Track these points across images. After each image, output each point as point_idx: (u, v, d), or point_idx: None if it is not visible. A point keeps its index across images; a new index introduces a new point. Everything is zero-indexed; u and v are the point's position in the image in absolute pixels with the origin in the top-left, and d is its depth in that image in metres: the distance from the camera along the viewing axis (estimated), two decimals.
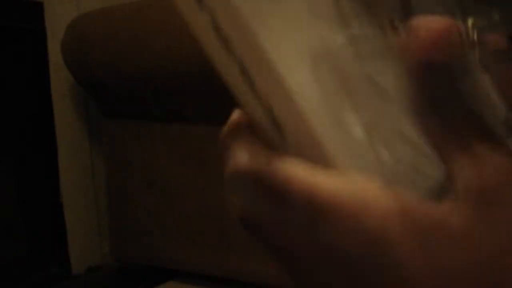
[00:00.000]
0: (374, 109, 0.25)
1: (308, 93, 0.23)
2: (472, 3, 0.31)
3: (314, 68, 0.24)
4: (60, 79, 1.29)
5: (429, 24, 0.22)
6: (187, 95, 1.12)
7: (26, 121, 1.31)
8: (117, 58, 1.16)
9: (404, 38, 0.23)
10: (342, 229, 0.22)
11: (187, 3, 0.26)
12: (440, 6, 0.28)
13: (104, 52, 1.18)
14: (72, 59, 1.23)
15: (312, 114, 0.23)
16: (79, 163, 1.35)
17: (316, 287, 0.24)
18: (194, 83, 1.09)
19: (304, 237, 0.23)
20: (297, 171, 0.23)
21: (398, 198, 0.22)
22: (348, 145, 0.24)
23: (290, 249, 0.24)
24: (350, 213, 0.21)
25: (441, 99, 0.22)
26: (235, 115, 0.28)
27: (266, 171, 0.24)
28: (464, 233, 0.21)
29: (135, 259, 1.32)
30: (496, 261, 0.21)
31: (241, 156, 0.26)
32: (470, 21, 0.30)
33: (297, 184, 0.22)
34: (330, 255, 0.22)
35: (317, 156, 0.23)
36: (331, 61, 0.25)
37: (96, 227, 1.38)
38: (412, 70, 0.22)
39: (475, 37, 0.29)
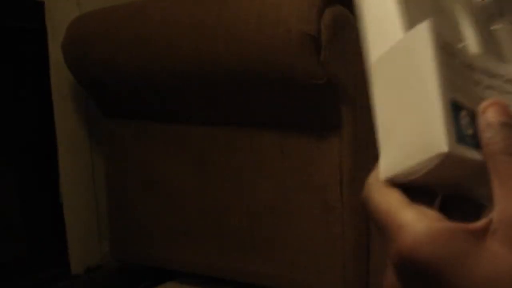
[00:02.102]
0: None
1: None
2: None
3: None
4: (60, 79, 1.29)
5: None
6: (187, 95, 1.12)
7: (26, 120, 1.31)
8: (117, 58, 1.16)
9: None
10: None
11: None
12: None
13: (104, 52, 1.17)
14: (72, 59, 1.23)
15: None
16: (79, 163, 1.34)
17: None
18: (194, 83, 1.09)
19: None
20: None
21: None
22: None
23: None
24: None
25: None
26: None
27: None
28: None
29: (134, 259, 1.32)
30: None
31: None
32: None
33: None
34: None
35: None
36: None
37: (96, 227, 1.38)
38: None
39: None
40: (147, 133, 1.22)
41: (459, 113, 0.27)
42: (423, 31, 0.27)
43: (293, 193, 1.06)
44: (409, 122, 0.28)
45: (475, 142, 0.27)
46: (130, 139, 1.25)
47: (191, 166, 1.16)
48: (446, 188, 0.30)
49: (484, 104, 0.28)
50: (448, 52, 0.28)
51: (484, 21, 0.34)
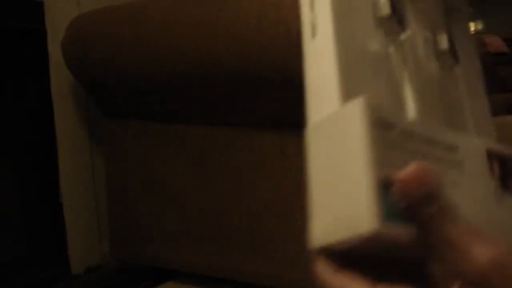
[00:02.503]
0: None
1: None
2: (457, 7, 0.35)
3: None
4: (60, 79, 1.29)
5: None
6: (187, 95, 1.12)
7: (26, 120, 1.31)
8: (117, 58, 1.16)
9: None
10: None
11: None
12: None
13: (104, 52, 1.17)
14: (72, 59, 1.23)
15: None
16: (79, 163, 1.35)
17: None
18: (194, 83, 1.09)
19: None
20: None
21: None
22: None
23: None
24: None
25: None
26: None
27: None
28: None
29: (134, 259, 1.32)
30: None
31: None
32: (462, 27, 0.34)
33: None
34: None
35: None
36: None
37: (96, 227, 1.38)
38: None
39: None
40: (147, 133, 1.22)
41: (389, 190, 0.27)
42: (356, 108, 0.27)
43: (293, 193, 1.06)
44: (339, 196, 0.28)
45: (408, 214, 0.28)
46: (130, 139, 1.25)
47: (191, 166, 1.16)
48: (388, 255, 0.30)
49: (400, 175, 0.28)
50: (383, 125, 0.27)
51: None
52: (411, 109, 0.32)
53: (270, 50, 0.96)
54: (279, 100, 1.03)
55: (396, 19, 0.32)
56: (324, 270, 0.31)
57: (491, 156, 0.33)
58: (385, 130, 0.28)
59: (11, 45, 1.25)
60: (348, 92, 0.29)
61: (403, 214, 0.27)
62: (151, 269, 1.31)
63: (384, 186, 0.27)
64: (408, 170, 0.28)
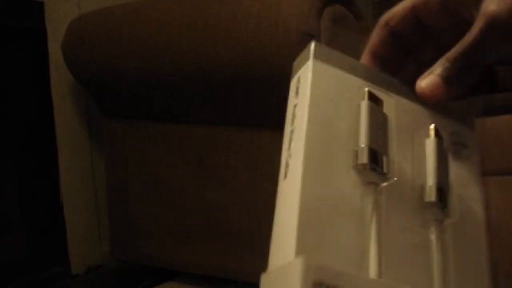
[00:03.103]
0: None
1: None
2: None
3: None
4: (60, 78, 1.29)
5: None
6: (187, 95, 1.12)
7: (26, 121, 1.31)
8: (118, 58, 1.16)
9: None
10: None
11: None
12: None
13: (104, 52, 1.18)
14: (72, 58, 1.23)
15: None
16: (79, 163, 1.35)
17: None
18: (194, 83, 1.09)
19: None
20: None
21: None
22: None
23: None
24: None
25: None
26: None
27: None
28: None
29: (135, 259, 1.32)
30: None
31: None
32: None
33: None
34: None
35: None
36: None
37: (96, 227, 1.38)
38: None
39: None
40: (147, 133, 1.22)
41: None
42: (296, 268, 0.25)
43: None
44: None
45: None
46: (130, 139, 1.25)
47: (191, 166, 1.16)
48: None
49: None
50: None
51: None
52: (372, 269, 0.29)
53: (270, 50, 0.96)
54: (279, 100, 1.03)
55: (375, 169, 0.30)
56: None
57: None
58: None
59: (12, 45, 1.25)
60: (305, 245, 0.28)
61: None
62: (151, 269, 1.31)
63: None
64: None
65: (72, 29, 1.23)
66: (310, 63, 0.32)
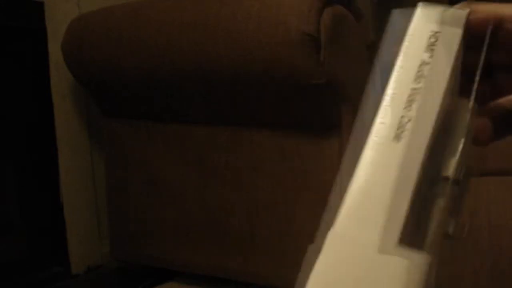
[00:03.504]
0: None
1: None
2: None
3: None
4: (60, 78, 1.29)
5: None
6: (187, 95, 1.12)
7: (26, 121, 1.31)
8: (118, 58, 1.16)
9: None
10: None
11: None
12: None
13: (105, 52, 1.18)
14: (72, 59, 1.23)
15: None
16: (79, 163, 1.35)
17: None
18: (194, 83, 1.09)
19: None
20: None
21: None
22: None
23: None
24: None
25: None
26: None
27: None
28: None
29: (135, 259, 1.32)
30: None
31: None
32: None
33: None
34: None
35: None
36: None
37: (96, 227, 1.38)
38: None
39: None
40: (147, 133, 1.22)
41: None
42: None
43: (293, 193, 1.06)
44: None
45: None
46: (130, 139, 1.25)
47: (191, 166, 1.16)
48: None
49: None
50: None
51: None
52: None
53: (270, 50, 0.96)
54: (279, 100, 1.03)
55: None
56: None
57: None
58: None
59: (12, 45, 1.25)
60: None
61: None
62: (151, 269, 1.31)
63: None
64: None
65: (72, 29, 1.23)
66: (459, 31, 0.29)
